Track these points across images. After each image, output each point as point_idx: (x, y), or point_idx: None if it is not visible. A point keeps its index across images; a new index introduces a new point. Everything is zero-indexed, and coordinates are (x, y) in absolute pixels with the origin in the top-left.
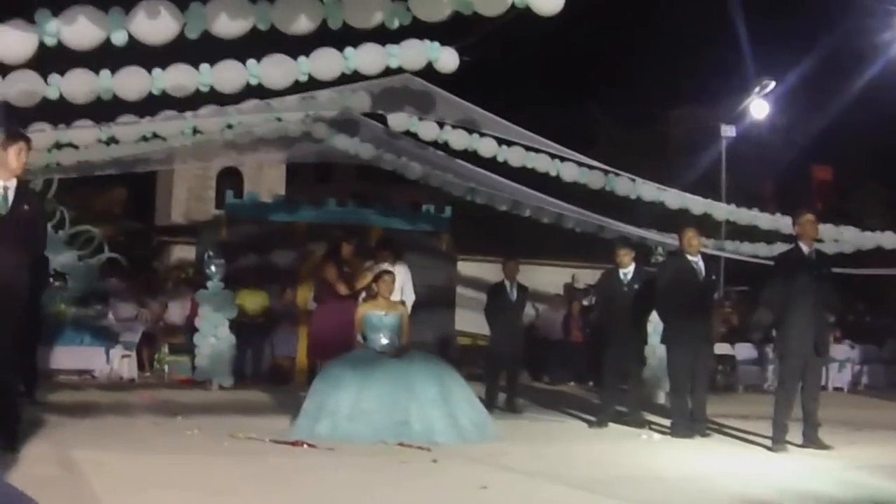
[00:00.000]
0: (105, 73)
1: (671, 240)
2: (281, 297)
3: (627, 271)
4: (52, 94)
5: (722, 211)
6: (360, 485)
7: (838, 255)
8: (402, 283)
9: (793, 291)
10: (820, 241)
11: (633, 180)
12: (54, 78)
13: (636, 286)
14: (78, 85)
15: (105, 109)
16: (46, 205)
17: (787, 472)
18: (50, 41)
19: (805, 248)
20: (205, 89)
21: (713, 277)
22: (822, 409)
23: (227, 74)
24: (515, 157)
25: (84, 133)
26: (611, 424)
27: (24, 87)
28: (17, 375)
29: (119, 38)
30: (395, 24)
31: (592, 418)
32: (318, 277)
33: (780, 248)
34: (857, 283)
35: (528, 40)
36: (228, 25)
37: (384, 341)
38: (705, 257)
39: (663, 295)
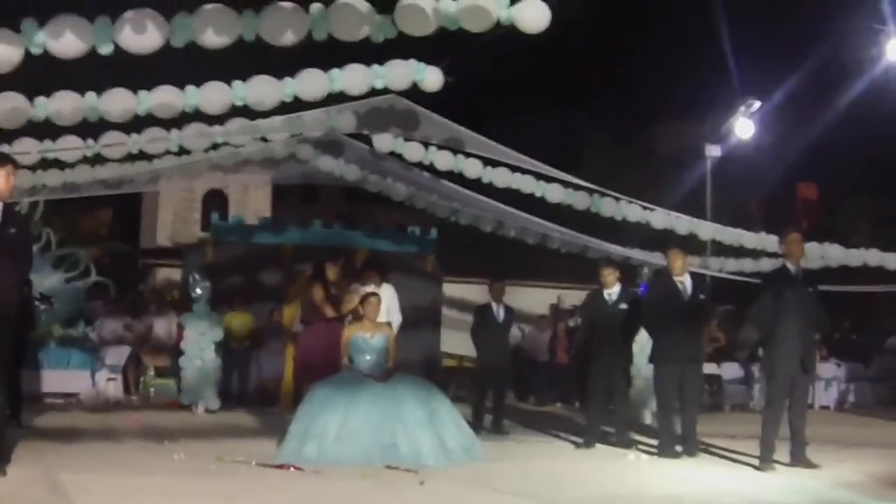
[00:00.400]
0: (91, 94)
1: (656, 259)
2: (269, 318)
3: (612, 291)
4: (39, 113)
5: (707, 230)
6: None
7: (824, 271)
8: (388, 304)
9: (780, 310)
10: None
11: (619, 200)
12: (40, 100)
13: (621, 306)
14: (64, 105)
15: (91, 128)
16: (32, 227)
17: (774, 490)
18: (36, 51)
19: (792, 267)
20: (191, 110)
21: (701, 297)
22: (808, 428)
23: (213, 95)
24: (501, 177)
25: (70, 149)
26: (598, 445)
27: (10, 107)
28: (5, 399)
29: (105, 49)
30: (381, 38)
31: (579, 439)
32: (305, 299)
33: (766, 263)
34: (843, 300)
35: (515, 56)
36: (215, 36)
37: (370, 363)
38: (694, 276)
39: (649, 315)
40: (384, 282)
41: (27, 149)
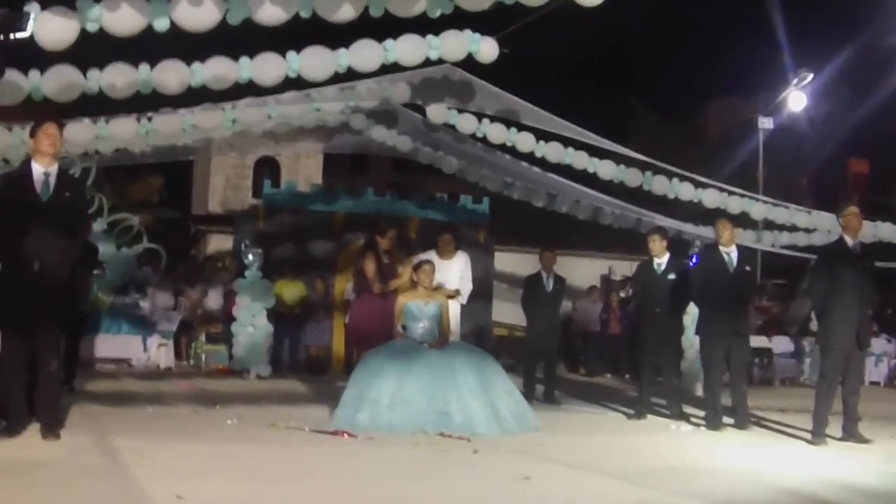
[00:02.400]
0: (144, 66)
1: (708, 232)
2: (314, 287)
3: (661, 261)
4: (92, 87)
5: (760, 209)
6: (400, 475)
7: (876, 247)
8: (461, 271)
9: (837, 284)
10: None
11: (671, 178)
12: (94, 72)
13: (670, 276)
14: (117, 78)
15: (144, 101)
16: (86, 192)
17: (827, 464)
18: (92, 27)
19: (849, 241)
20: (244, 82)
21: (747, 269)
22: (860, 403)
23: (267, 67)
24: (554, 152)
25: (124, 127)
26: (650, 416)
27: (64, 81)
28: (60, 364)
29: (161, 25)
30: (437, 13)
31: (630, 410)
32: (358, 269)
33: (819, 237)
34: (894, 276)
35: (566, 32)
36: (270, 13)
37: (424, 331)
38: (742, 249)
39: (696, 287)
40: (458, 250)
41: (81, 130)
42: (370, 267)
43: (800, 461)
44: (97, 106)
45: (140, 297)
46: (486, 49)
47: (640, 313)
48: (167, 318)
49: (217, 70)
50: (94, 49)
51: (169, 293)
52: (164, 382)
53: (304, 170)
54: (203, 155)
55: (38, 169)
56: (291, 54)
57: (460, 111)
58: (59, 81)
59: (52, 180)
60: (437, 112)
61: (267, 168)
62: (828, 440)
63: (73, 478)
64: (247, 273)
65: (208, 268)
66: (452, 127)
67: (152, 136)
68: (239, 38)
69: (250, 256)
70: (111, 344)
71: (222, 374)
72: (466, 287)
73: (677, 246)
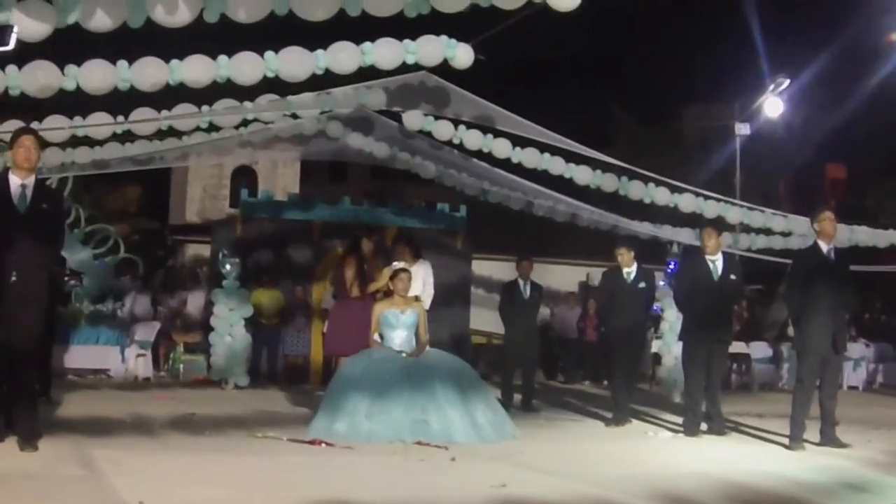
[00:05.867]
0: (122, 63)
1: (685, 236)
2: (293, 295)
3: (630, 270)
4: (70, 85)
5: (736, 214)
6: (378, 483)
7: (854, 251)
8: (423, 279)
9: (811, 290)
10: None
11: (647, 182)
12: (71, 69)
13: (640, 285)
14: (96, 76)
15: (121, 103)
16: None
17: (805, 469)
18: (69, 22)
19: (824, 247)
20: (222, 81)
21: (732, 277)
22: (838, 408)
23: (245, 66)
24: (530, 158)
25: (100, 126)
26: (632, 422)
27: (42, 78)
28: (36, 374)
29: (137, 21)
30: (414, 13)
31: (609, 416)
32: (337, 274)
33: (796, 241)
34: (872, 281)
35: (543, 37)
36: (247, 10)
37: (401, 339)
38: (727, 257)
39: (680, 294)
40: (418, 257)
41: (58, 125)
42: (350, 270)
43: (778, 466)
44: (74, 105)
45: (118, 308)
46: (462, 55)
47: (611, 321)
48: (145, 327)
49: (195, 68)
50: (71, 45)
51: (147, 303)
52: (142, 393)
53: (281, 180)
54: (181, 162)
55: (15, 181)
56: (269, 54)
57: (436, 118)
58: (36, 79)
59: (29, 192)
60: (414, 119)
61: (244, 177)
62: (806, 445)
63: (51, 489)
64: (224, 283)
65: (185, 274)
66: (429, 133)
67: (129, 146)
68: (216, 38)
69: (228, 266)
70: (89, 354)
71: (201, 384)
72: (428, 294)
73: (655, 250)
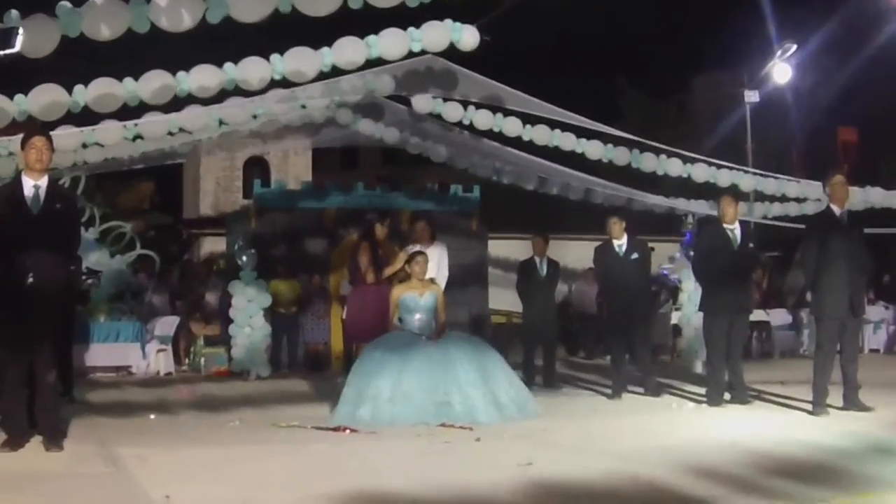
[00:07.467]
0: (129, 80)
1: (699, 207)
2: (310, 283)
3: (621, 242)
4: (78, 102)
5: (749, 181)
6: (404, 467)
7: (869, 213)
8: (438, 262)
9: (826, 253)
10: None
11: (659, 154)
12: (78, 88)
13: (633, 256)
14: (103, 92)
15: (130, 110)
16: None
17: (830, 434)
18: (73, 32)
19: (837, 210)
20: (230, 87)
21: (751, 245)
22: (860, 371)
23: (252, 71)
24: (541, 135)
25: (110, 132)
26: (664, 396)
27: (49, 99)
28: (56, 375)
29: (141, 27)
30: (416, 2)
31: (640, 389)
32: (352, 260)
33: (811, 207)
34: (891, 243)
35: (549, 14)
36: (250, 10)
37: (421, 323)
38: (744, 225)
39: (699, 263)
40: (434, 240)
41: (68, 136)
42: (364, 257)
43: (803, 432)
44: (83, 113)
45: (136, 304)
46: (468, 37)
47: (610, 296)
48: (165, 322)
49: (202, 78)
50: (76, 60)
51: (165, 298)
52: (164, 388)
53: (293, 168)
54: (192, 158)
55: (28, 182)
56: (275, 56)
57: (445, 100)
58: (43, 99)
59: (43, 193)
60: (423, 102)
61: (256, 168)
62: (829, 410)
63: (79, 487)
64: (241, 274)
65: (203, 271)
66: (438, 116)
67: (140, 144)
68: (221, 39)
69: (244, 257)
70: (110, 352)
71: (222, 377)
72: (443, 275)
73: (670, 223)
